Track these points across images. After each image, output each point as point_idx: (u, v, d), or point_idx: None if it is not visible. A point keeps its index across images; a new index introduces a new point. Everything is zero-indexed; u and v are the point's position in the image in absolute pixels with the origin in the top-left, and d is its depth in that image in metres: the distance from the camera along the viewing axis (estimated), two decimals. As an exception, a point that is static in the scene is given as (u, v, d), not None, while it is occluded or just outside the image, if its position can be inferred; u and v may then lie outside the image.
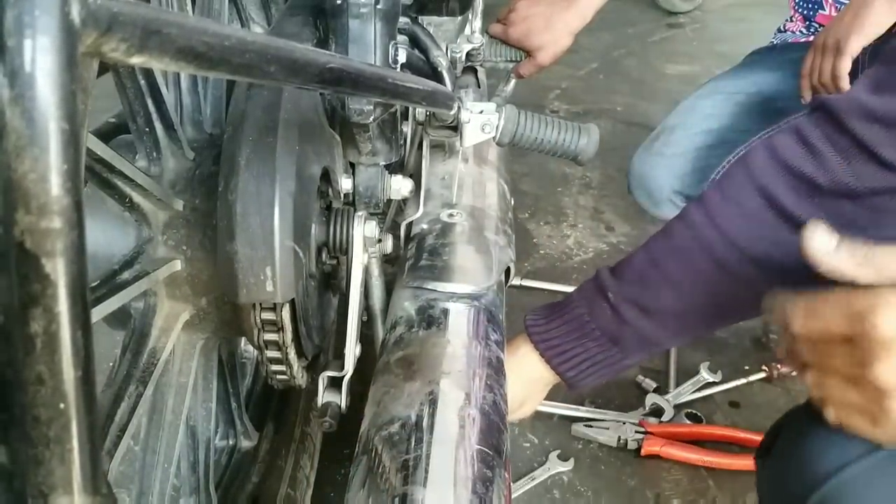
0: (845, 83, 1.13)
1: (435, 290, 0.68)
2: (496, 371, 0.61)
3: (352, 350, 0.61)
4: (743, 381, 1.23)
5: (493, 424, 0.54)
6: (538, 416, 1.11)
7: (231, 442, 0.72)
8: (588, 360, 0.71)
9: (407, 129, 0.83)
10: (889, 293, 0.44)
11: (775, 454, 0.59)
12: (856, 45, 1.11)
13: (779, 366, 1.23)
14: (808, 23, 1.52)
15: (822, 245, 0.48)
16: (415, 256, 0.74)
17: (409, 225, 0.80)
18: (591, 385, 0.74)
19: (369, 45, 0.61)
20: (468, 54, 1.07)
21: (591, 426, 1.12)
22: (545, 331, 0.72)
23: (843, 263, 0.47)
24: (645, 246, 0.72)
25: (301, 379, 0.60)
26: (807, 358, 0.49)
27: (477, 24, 1.13)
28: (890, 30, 1.17)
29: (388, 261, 0.78)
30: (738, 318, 0.77)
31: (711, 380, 1.22)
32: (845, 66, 1.12)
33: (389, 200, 0.77)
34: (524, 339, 0.74)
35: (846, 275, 0.48)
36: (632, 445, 1.09)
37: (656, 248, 0.71)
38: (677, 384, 1.22)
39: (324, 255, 0.62)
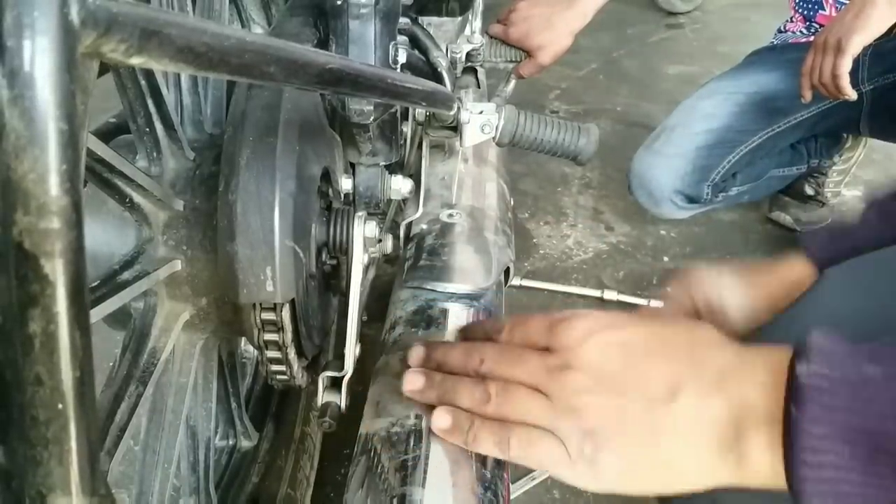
0: (846, 82, 1.13)
1: (434, 291, 0.68)
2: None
3: (352, 350, 0.61)
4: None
5: (493, 425, 0.54)
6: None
7: (231, 442, 0.72)
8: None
9: (407, 129, 0.83)
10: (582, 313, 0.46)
11: None
12: (857, 45, 1.11)
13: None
14: (808, 23, 1.52)
15: None
16: (414, 256, 0.74)
17: (409, 225, 0.80)
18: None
19: (369, 45, 0.61)
20: (468, 55, 1.07)
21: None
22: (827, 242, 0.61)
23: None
24: None
25: (301, 379, 0.60)
26: (498, 370, 0.47)
27: (477, 24, 1.13)
28: (891, 29, 1.18)
29: (388, 261, 0.78)
30: None
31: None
32: (846, 65, 1.12)
33: (389, 200, 0.77)
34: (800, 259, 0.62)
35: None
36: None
37: None
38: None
39: (324, 255, 0.62)
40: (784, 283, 0.61)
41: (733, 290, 0.62)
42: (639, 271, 1.50)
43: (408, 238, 0.79)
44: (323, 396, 0.62)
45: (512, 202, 0.97)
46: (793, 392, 0.37)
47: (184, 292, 0.55)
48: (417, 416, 0.52)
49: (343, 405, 0.61)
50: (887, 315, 0.50)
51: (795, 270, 0.61)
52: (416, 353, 0.51)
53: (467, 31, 1.10)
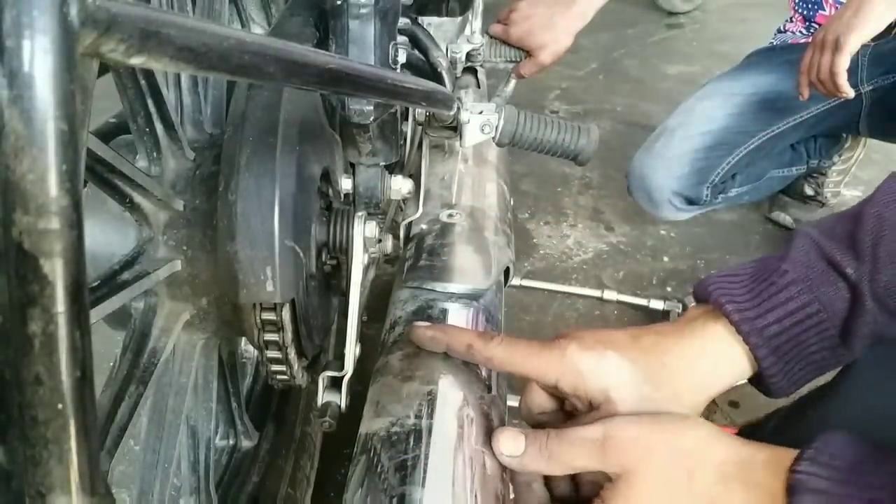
0: (843, 80, 1.13)
1: (434, 290, 0.68)
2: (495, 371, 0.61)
3: (352, 350, 0.61)
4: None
5: (492, 425, 0.54)
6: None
7: (231, 442, 0.72)
8: (804, 360, 0.49)
9: (407, 129, 0.83)
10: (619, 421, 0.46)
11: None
12: (855, 42, 1.11)
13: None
14: (808, 23, 1.52)
15: (508, 450, 0.48)
16: (414, 256, 0.74)
17: (409, 225, 0.80)
18: (789, 394, 0.52)
19: (369, 45, 0.61)
20: (468, 55, 1.07)
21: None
22: (756, 316, 0.48)
23: (534, 463, 0.48)
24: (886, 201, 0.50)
25: (301, 379, 0.60)
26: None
27: (477, 24, 1.13)
28: (890, 28, 1.18)
29: (388, 261, 0.78)
30: None
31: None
32: (844, 62, 1.12)
33: (389, 200, 0.77)
34: (711, 314, 0.50)
35: (541, 471, 0.49)
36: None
37: None
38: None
39: (324, 255, 0.62)
40: (698, 368, 0.49)
41: (623, 382, 0.48)
42: (639, 271, 1.50)
43: (408, 238, 0.79)
44: (323, 396, 0.62)
45: (512, 202, 0.97)
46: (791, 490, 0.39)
47: (184, 292, 0.55)
48: (417, 416, 0.52)
49: (343, 405, 0.61)
50: None
51: (710, 343, 0.50)
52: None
53: (467, 31, 1.10)
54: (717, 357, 0.49)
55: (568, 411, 0.52)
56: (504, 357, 0.51)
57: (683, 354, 0.49)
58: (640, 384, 0.48)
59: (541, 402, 0.53)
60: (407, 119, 0.83)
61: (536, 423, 0.53)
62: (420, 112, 0.82)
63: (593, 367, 0.48)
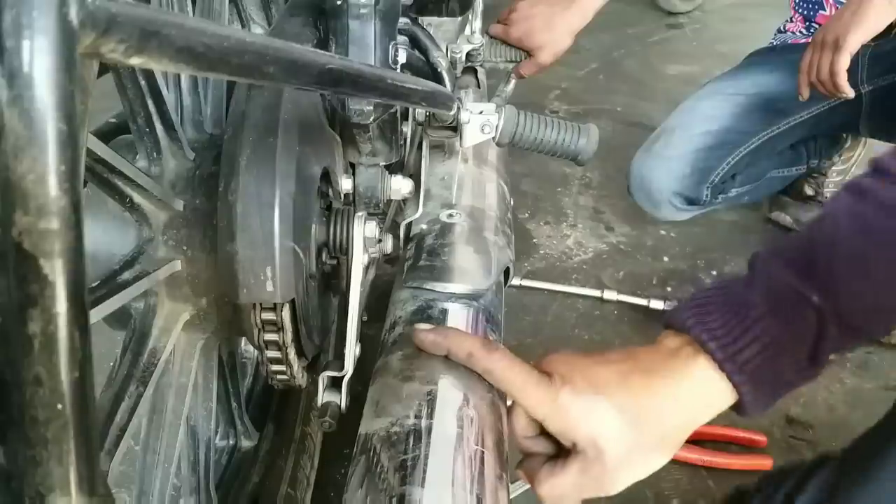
0: (843, 80, 1.13)
1: (434, 291, 0.68)
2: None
3: (352, 350, 0.61)
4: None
5: (492, 425, 0.54)
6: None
7: (231, 442, 0.72)
8: (776, 383, 0.51)
9: (407, 129, 0.83)
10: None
11: None
12: (855, 42, 1.11)
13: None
14: (808, 23, 1.52)
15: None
16: (414, 256, 0.74)
17: (409, 225, 0.80)
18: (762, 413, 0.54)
19: (369, 45, 0.61)
20: (468, 55, 1.07)
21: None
22: (735, 352, 0.50)
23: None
24: (844, 226, 0.51)
25: (301, 379, 0.60)
26: None
27: (477, 24, 1.13)
28: (889, 28, 1.17)
29: (388, 261, 0.78)
30: None
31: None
32: (844, 62, 1.12)
33: (389, 200, 0.77)
34: (691, 347, 0.52)
35: None
36: (631, 445, 1.09)
37: (873, 223, 0.50)
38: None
39: (324, 256, 0.62)
40: (687, 407, 0.51)
41: (611, 431, 0.49)
42: (639, 271, 1.50)
43: (408, 238, 0.79)
44: (323, 396, 0.62)
45: (512, 202, 0.97)
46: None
47: (184, 292, 0.55)
48: (417, 416, 0.52)
49: (343, 405, 0.61)
50: None
51: (699, 384, 0.51)
52: None
53: (467, 31, 1.10)
54: (705, 394, 0.51)
55: (551, 438, 0.54)
56: (501, 375, 0.53)
57: (673, 395, 0.51)
58: (628, 432, 0.50)
59: (524, 426, 0.54)
60: (407, 119, 0.83)
61: (522, 447, 0.56)
62: (420, 112, 0.82)
63: (583, 415, 0.50)
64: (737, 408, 0.52)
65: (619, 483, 0.51)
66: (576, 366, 0.52)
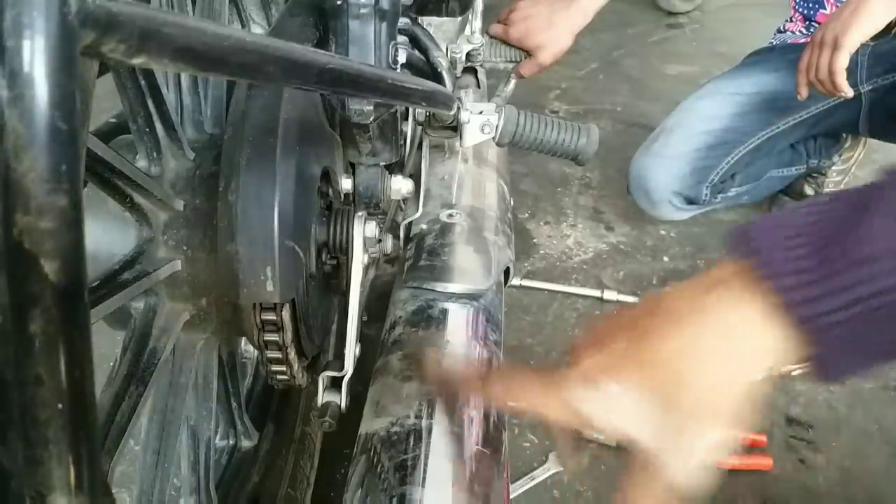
0: (842, 79, 1.13)
1: (434, 291, 0.68)
2: (496, 371, 0.61)
3: (352, 350, 0.61)
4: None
5: (492, 424, 0.54)
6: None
7: (231, 442, 0.72)
8: (872, 348, 0.38)
9: (407, 129, 0.83)
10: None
11: None
12: (853, 41, 1.11)
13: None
14: (808, 23, 1.52)
15: None
16: (414, 256, 0.74)
17: (409, 225, 0.80)
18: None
19: (369, 45, 0.61)
20: (468, 55, 1.07)
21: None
22: (817, 298, 0.36)
23: None
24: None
25: (301, 379, 0.60)
26: None
27: (477, 24, 1.13)
28: (889, 28, 1.18)
29: (388, 261, 0.78)
30: None
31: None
32: (842, 61, 1.12)
33: (389, 200, 0.77)
34: (747, 285, 0.39)
35: None
36: (632, 446, 1.09)
37: None
38: (677, 384, 1.22)
39: (324, 256, 0.62)
40: (728, 370, 0.40)
41: (638, 421, 0.41)
42: (639, 271, 1.50)
43: (408, 238, 0.79)
44: (323, 396, 0.62)
45: (512, 202, 0.97)
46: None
47: (184, 292, 0.54)
48: (417, 416, 0.52)
49: (343, 405, 0.62)
50: None
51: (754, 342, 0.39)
52: None
53: (467, 31, 1.10)
54: (753, 350, 0.40)
55: None
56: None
57: (709, 359, 0.41)
58: (657, 416, 0.41)
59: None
60: (407, 119, 0.83)
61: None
62: (420, 112, 0.83)
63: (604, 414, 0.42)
64: (810, 370, 0.40)
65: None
66: (584, 349, 0.43)
